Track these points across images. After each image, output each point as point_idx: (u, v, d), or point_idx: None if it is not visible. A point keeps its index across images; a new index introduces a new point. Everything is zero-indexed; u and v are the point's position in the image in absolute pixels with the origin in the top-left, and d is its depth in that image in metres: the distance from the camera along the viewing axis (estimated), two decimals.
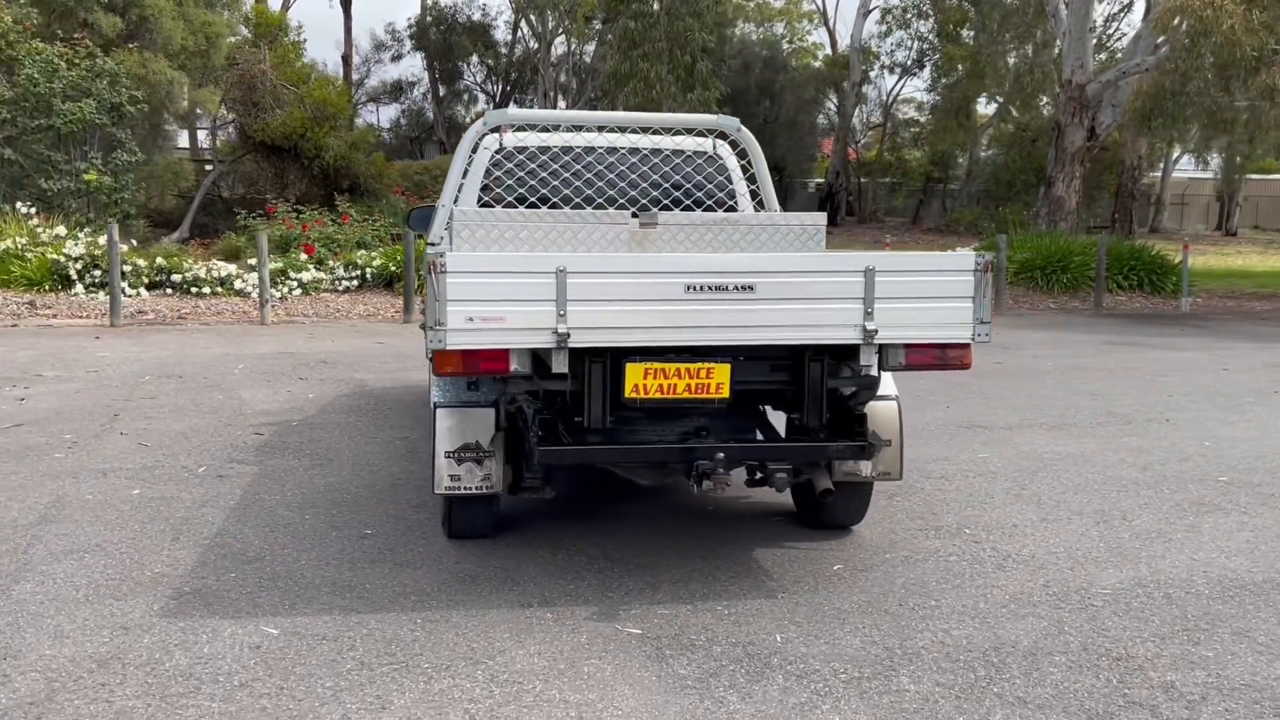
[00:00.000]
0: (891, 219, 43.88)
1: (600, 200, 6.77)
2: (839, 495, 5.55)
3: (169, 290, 16.30)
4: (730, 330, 4.44)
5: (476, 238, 6.14)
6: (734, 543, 5.48)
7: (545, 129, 7.01)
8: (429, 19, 47.51)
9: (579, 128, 6.98)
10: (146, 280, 16.19)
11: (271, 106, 23.76)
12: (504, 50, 48.45)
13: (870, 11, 43.43)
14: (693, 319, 4.40)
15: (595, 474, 6.09)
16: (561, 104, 44.44)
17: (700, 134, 7.17)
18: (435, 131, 50.00)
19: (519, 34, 47.50)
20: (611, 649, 4.18)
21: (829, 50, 47.89)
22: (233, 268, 16.67)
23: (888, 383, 5.47)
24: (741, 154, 7.00)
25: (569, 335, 4.32)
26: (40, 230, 16.93)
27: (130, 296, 15.57)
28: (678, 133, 7.10)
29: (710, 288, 4.39)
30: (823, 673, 4.02)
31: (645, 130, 7.12)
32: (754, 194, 7.06)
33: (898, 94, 47.01)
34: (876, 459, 5.35)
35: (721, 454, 4.62)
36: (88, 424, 8.05)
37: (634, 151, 6.87)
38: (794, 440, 4.94)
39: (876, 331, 4.49)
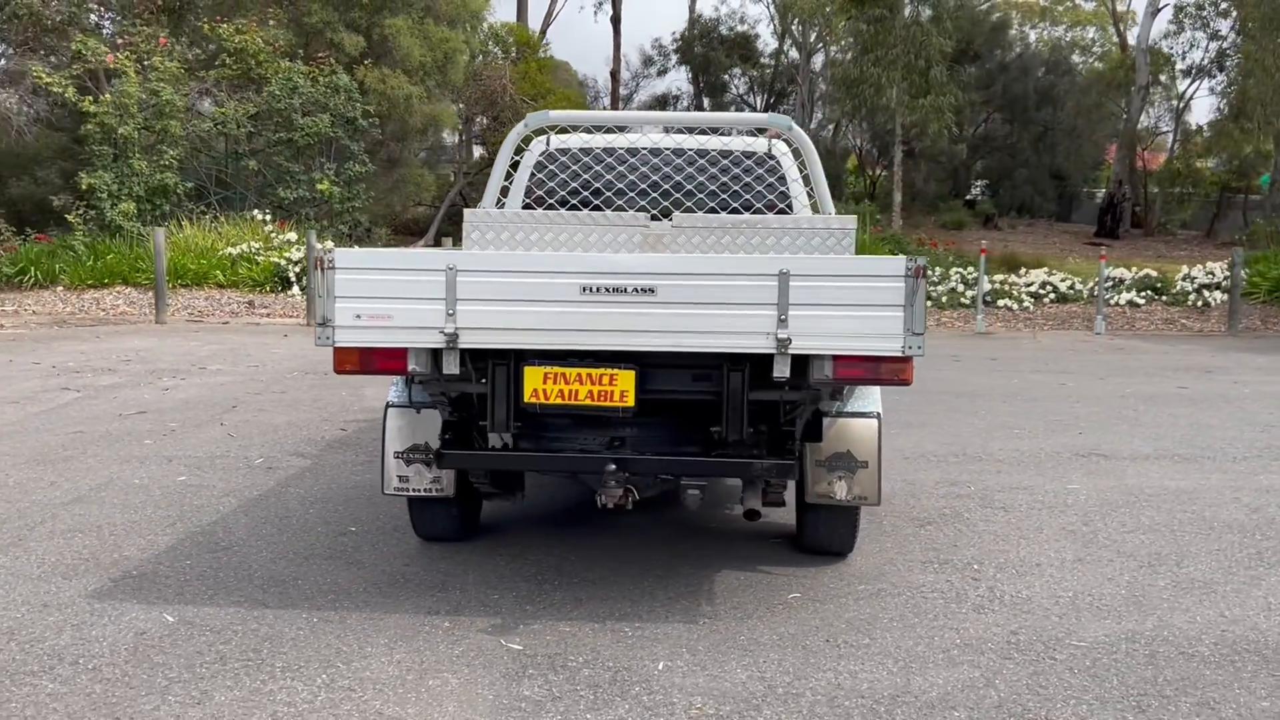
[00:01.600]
0: (1184, 231, 40.63)
1: (643, 203, 6.57)
2: (820, 520, 5.16)
3: None
4: (629, 335, 4.16)
5: (487, 239, 6.09)
6: (706, 563, 5.16)
7: (605, 130, 6.87)
8: (694, 32, 48.04)
9: (625, 129, 6.82)
10: None
11: (511, 120, 24.59)
12: (767, 61, 48.39)
13: (1160, 9, 40.52)
14: (589, 322, 4.15)
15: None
16: (818, 115, 44.00)
17: (753, 133, 6.86)
18: None
19: (784, 45, 47.34)
20: (475, 664, 4.00)
21: (1117, 51, 45.04)
22: None
23: (869, 398, 5.02)
24: (797, 154, 6.64)
25: (458, 335, 4.18)
26: (273, 236, 18.18)
27: None
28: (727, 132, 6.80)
29: (607, 289, 4.13)
30: (676, 706, 3.70)
31: (700, 130, 6.88)
32: (810, 196, 6.67)
33: (1190, 97, 43.70)
34: (852, 481, 4.92)
35: (613, 465, 4.35)
36: (201, 414, 8.53)
37: (679, 153, 6.62)
38: (713, 456, 4.56)
39: (790, 341, 4.11)
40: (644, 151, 6.63)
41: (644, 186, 6.58)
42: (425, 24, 22.83)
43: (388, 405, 5.04)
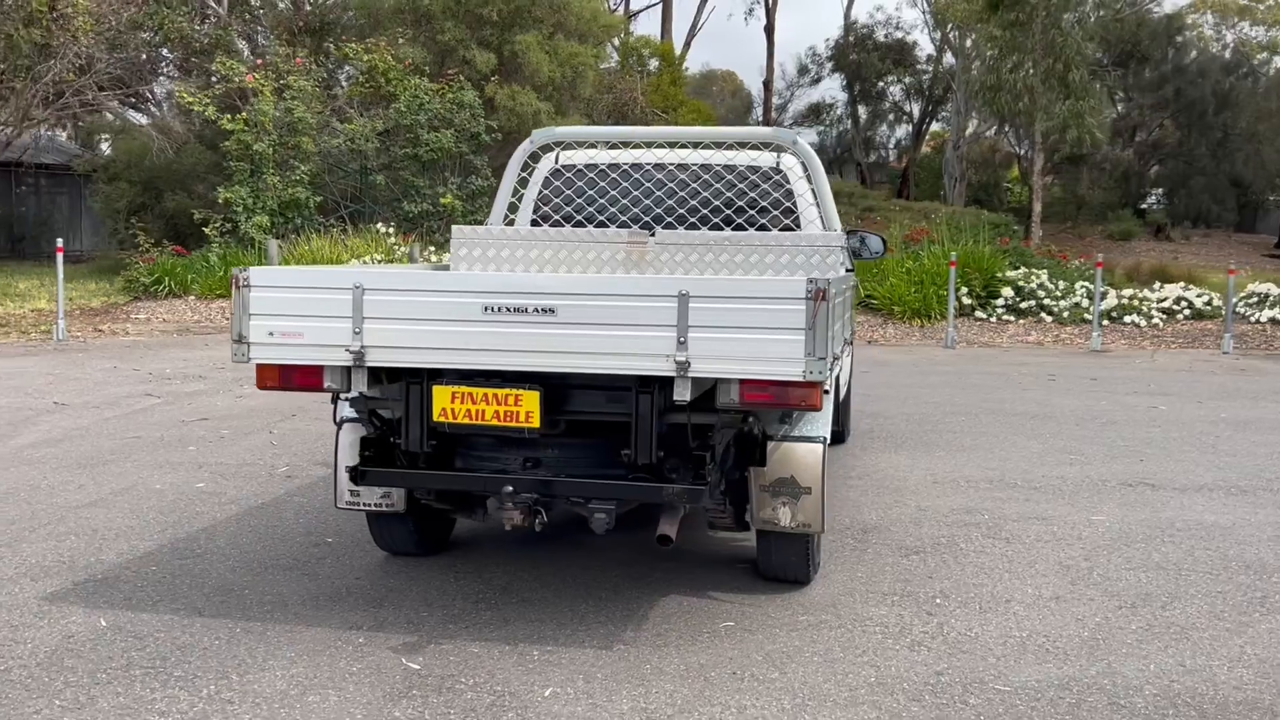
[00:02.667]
0: None
1: (647, 219, 6.51)
2: (770, 547, 5.02)
3: None
4: (531, 355, 4.12)
5: (474, 256, 6.13)
6: (658, 587, 5.06)
7: (613, 146, 6.83)
8: (849, 40, 47.41)
9: (631, 144, 6.76)
10: None
11: None
12: (923, 68, 47.39)
13: None
14: (491, 341, 4.14)
15: None
16: (974, 122, 42.79)
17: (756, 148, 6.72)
18: (853, 153, 49.83)
19: (941, 51, 46.25)
20: (364, 682, 4.02)
21: None
22: None
23: (816, 422, 4.85)
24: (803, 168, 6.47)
25: (364, 353, 4.21)
26: (395, 248, 18.72)
27: None
28: (731, 147, 6.67)
29: (509, 309, 4.11)
30: None
31: (706, 145, 6.77)
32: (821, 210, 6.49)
33: None
34: (795, 508, 4.75)
35: (510, 488, 4.30)
36: (258, 421, 8.83)
37: (682, 168, 6.54)
38: (625, 479, 4.44)
39: (689, 363, 4.00)
40: (648, 167, 6.56)
41: (648, 203, 6.53)
42: (555, 40, 23.15)
43: (341, 420, 5.11)
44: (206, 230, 19.00)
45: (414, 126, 20.12)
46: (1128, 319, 16.57)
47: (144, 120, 25.81)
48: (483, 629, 4.53)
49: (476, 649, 4.33)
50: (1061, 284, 17.21)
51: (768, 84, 47.95)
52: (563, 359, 4.10)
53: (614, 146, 6.77)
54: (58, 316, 14.40)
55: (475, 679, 4.05)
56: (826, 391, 4.27)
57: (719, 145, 6.64)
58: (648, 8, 41.30)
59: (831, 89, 63.73)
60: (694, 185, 6.49)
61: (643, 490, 4.36)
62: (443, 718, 3.76)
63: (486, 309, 4.12)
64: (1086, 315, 16.65)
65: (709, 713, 3.82)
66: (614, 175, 6.58)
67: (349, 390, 4.36)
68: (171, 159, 23.50)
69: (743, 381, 4.08)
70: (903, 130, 51.61)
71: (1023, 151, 43.22)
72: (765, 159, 6.52)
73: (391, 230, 19.31)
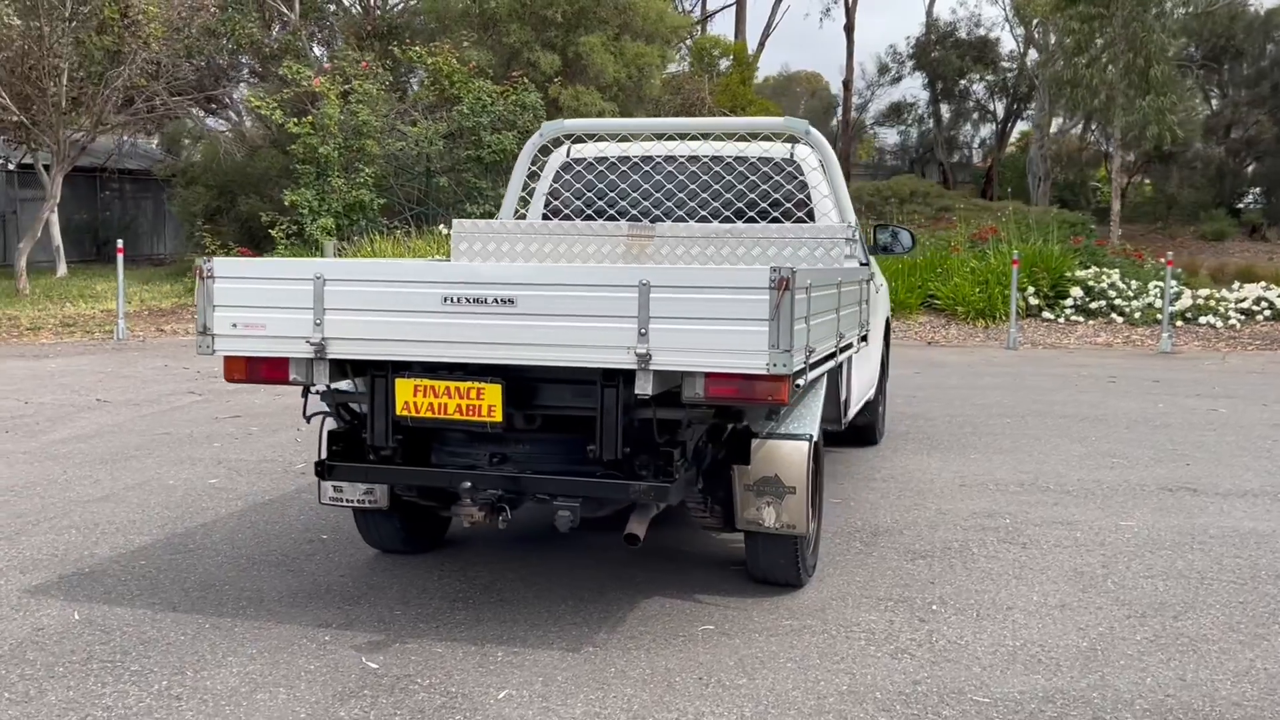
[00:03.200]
0: None
1: (657, 212, 6.37)
2: (758, 548, 4.84)
3: None
4: (491, 347, 4.01)
5: (475, 250, 6.05)
6: (644, 588, 4.90)
7: (623, 138, 6.70)
8: (931, 37, 46.66)
9: (642, 136, 6.65)
10: None
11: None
12: (1007, 65, 46.44)
13: None
14: (451, 333, 4.03)
15: None
16: (1059, 119, 41.79)
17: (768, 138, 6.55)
18: (935, 152, 49.01)
19: (1025, 47, 45.29)
20: (318, 680, 3.93)
21: None
22: None
23: (804, 419, 4.66)
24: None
25: (325, 345, 4.13)
26: None
27: None
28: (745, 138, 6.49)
29: (468, 300, 3.99)
30: None
31: (718, 136, 6.63)
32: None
33: None
34: (780, 508, 4.57)
35: (468, 484, 4.18)
36: (287, 419, 8.83)
37: (694, 160, 6.39)
38: (594, 476, 4.30)
39: (650, 356, 3.85)
40: (658, 160, 6.43)
41: (658, 195, 6.39)
42: (621, 41, 23.08)
43: (309, 415, 5.03)
44: (273, 233, 19.25)
45: (476, 129, 20.17)
46: (1203, 320, 15.97)
47: (222, 125, 26.31)
48: (453, 629, 4.42)
49: (441, 649, 4.22)
50: (1134, 284, 16.64)
51: (847, 83, 47.39)
52: (522, 351, 3.98)
53: (624, 139, 6.66)
54: (118, 316, 14.67)
55: (431, 680, 3.94)
56: (799, 386, 4.09)
57: (730, 136, 6.49)
58: (724, 8, 41.05)
59: (913, 88, 62.90)
60: (705, 177, 6.34)
61: (607, 487, 4.22)
62: (387, 719, 3.65)
63: (446, 300, 4.01)
64: (1159, 316, 16.07)
65: (663, 718, 3.67)
66: (624, 168, 6.45)
67: (315, 383, 4.29)
68: (245, 163, 23.91)
69: (708, 375, 3.92)
70: (988, 129, 50.69)
71: (1110, 149, 42.11)
72: (778, 150, 6.34)
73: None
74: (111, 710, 3.69)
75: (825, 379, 4.86)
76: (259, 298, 4.19)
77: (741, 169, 6.28)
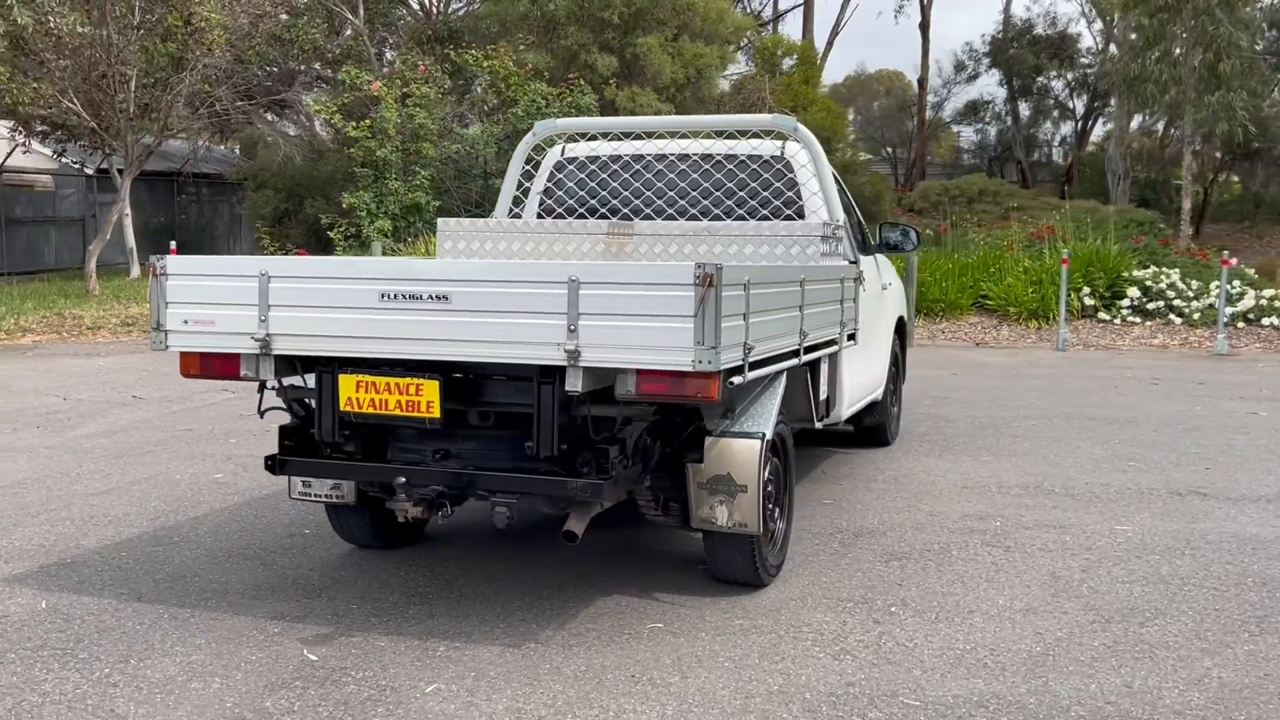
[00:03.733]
0: None
1: (648, 210, 6.36)
2: (715, 547, 4.81)
3: None
4: (427, 343, 4.04)
5: (459, 249, 6.09)
6: (604, 587, 4.89)
7: (619, 137, 6.71)
8: (1008, 34, 45.91)
9: (633, 135, 6.64)
10: None
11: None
12: (1087, 62, 45.51)
13: None
14: (389, 329, 4.07)
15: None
16: (1139, 116, 40.81)
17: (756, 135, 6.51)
18: (1013, 150, 48.18)
19: (1107, 44, 44.34)
20: (254, 671, 3.98)
21: None
22: None
23: (759, 417, 4.62)
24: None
25: (270, 341, 4.20)
26: None
27: None
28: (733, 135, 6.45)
29: (405, 296, 4.03)
30: None
31: (709, 134, 6.61)
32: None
33: None
34: (732, 506, 4.53)
35: (403, 479, 4.21)
36: None
37: (683, 158, 6.36)
38: (527, 473, 4.30)
39: (579, 353, 3.85)
40: (649, 158, 6.42)
41: (649, 194, 6.38)
42: (679, 41, 23.06)
43: (263, 410, 5.10)
44: (332, 235, 19.57)
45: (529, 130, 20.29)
46: (1265, 321, 15.48)
47: (291, 129, 26.80)
48: (403, 623, 4.46)
49: (385, 643, 4.26)
50: (1195, 284, 16.19)
51: (922, 82, 46.89)
52: (456, 347, 4.01)
53: (616, 137, 6.67)
54: None
55: (366, 673, 3.98)
56: (732, 383, 4.05)
57: (720, 134, 6.46)
58: (793, 8, 40.82)
59: (989, 85, 61.84)
60: (695, 175, 6.31)
61: (543, 484, 4.22)
62: (312, 709, 3.70)
63: (383, 296, 4.05)
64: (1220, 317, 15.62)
65: (584, 714, 3.66)
66: (615, 166, 6.46)
67: (264, 378, 4.36)
68: (311, 166, 24.35)
69: (639, 372, 3.91)
70: (1068, 127, 49.73)
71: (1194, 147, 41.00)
72: (768, 147, 6.29)
73: None
74: (48, 695, 3.78)
75: (785, 378, 4.80)
76: (209, 294, 4.28)
77: (731, 166, 6.24)
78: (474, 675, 3.96)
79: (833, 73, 42.02)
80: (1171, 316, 15.84)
